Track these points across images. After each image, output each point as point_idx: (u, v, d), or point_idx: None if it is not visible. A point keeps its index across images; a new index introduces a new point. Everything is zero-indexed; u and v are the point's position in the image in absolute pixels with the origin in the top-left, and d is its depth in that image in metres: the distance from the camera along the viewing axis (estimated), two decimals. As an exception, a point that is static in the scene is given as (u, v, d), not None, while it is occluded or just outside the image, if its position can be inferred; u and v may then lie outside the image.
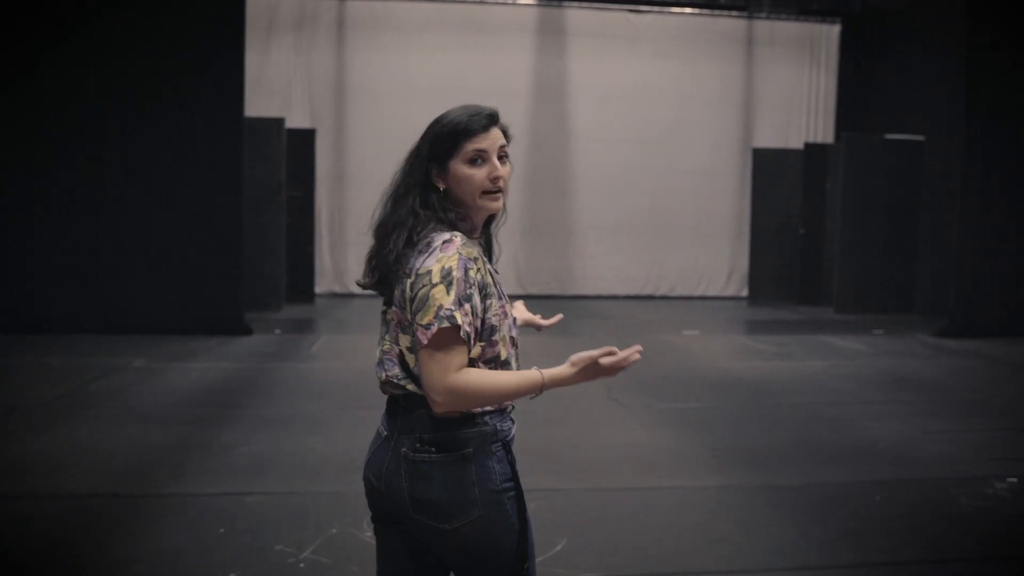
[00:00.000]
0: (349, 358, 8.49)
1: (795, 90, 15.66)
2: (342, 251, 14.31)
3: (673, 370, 8.07)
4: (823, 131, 15.73)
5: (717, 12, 15.29)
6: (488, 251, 2.09)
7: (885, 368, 8.43)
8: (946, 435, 5.93)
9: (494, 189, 1.96)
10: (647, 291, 15.22)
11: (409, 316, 1.90)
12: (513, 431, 2.01)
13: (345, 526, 4.03)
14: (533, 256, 14.96)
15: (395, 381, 1.96)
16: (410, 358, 1.93)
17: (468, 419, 1.91)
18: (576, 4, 14.86)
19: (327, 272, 14.22)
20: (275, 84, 13.96)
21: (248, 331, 9.66)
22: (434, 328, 1.82)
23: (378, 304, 2.10)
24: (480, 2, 14.55)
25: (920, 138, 13.48)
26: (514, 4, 14.75)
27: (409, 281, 1.90)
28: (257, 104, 13.30)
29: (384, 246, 1.97)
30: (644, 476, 5.02)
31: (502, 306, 1.96)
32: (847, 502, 4.55)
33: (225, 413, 6.24)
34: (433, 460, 1.90)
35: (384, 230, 1.99)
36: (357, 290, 14.29)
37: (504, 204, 2.02)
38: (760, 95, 15.53)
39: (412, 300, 1.88)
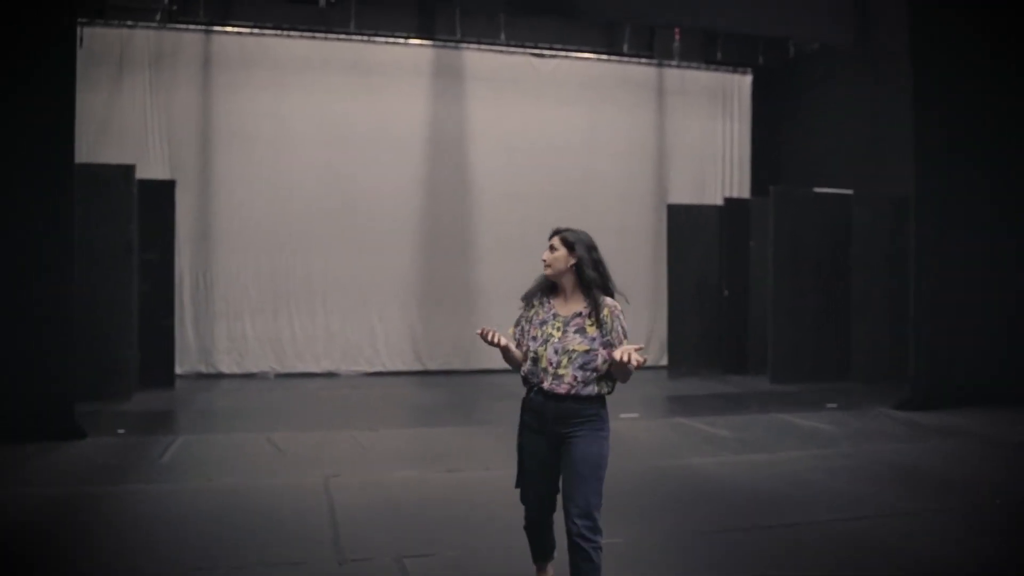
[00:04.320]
0: (213, 470, 6.44)
1: (708, 142, 14.64)
2: (208, 324, 12.15)
3: (639, 476, 6.40)
4: (739, 185, 14.72)
5: (625, 59, 14.16)
6: (595, 305, 3.61)
7: (881, 457, 7.04)
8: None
9: (544, 266, 3.71)
10: (559, 362, 13.61)
11: None
12: (533, 396, 3.63)
13: None
14: (431, 327, 13.19)
15: None
16: None
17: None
18: (475, 46, 13.42)
19: (191, 349, 12.01)
20: (128, 128, 11.88)
21: (80, 434, 7.47)
22: None
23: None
24: (368, 40, 12.91)
25: (848, 191, 12.53)
26: (406, 44, 13.17)
27: None
28: (107, 151, 11.28)
29: None
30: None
31: (522, 328, 3.74)
32: None
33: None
34: None
35: None
36: (226, 369, 12.20)
37: (562, 270, 3.67)
38: (673, 147, 14.41)
39: None
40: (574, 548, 3.42)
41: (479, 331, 3.55)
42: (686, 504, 5.66)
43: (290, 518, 5.14)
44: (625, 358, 3.29)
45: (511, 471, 4.80)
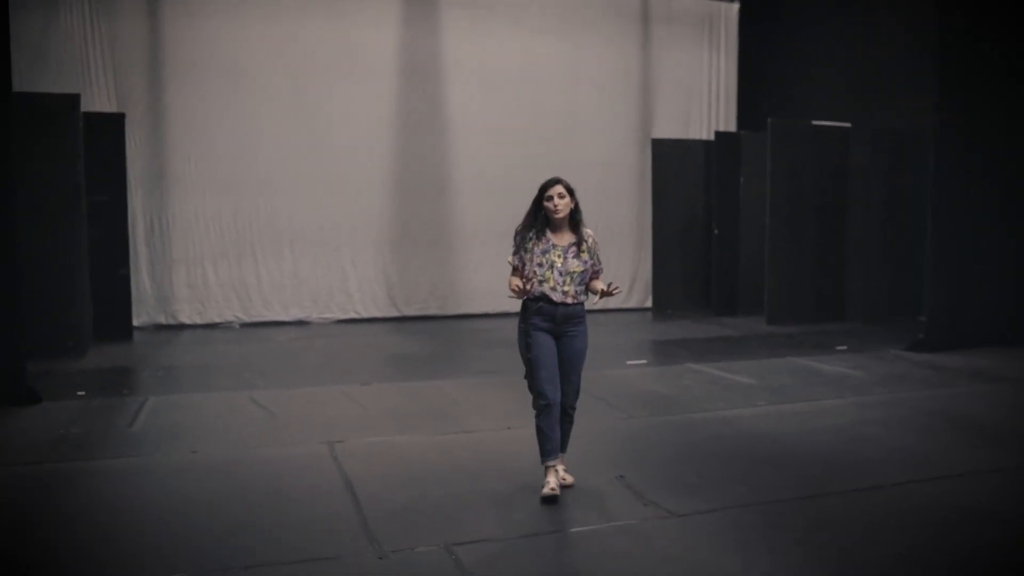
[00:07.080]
0: (196, 440, 5.60)
1: (694, 74, 13.87)
2: (166, 271, 11.18)
3: (681, 433, 5.78)
4: (724, 119, 14.02)
5: (607, -17, 13.25)
6: (582, 237, 4.62)
7: (923, 405, 6.51)
8: None
9: (552, 208, 4.49)
10: (542, 307, 12.88)
11: None
12: (541, 304, 4.55)
13: None
14: (406, 270, 12.37)
15: None
16: None
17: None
18: (448, -32, 12.39)
19: (148, 299, 11.06)
20: (67, 57, 10.70)
21: (35, 398, 6.60)
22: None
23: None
24: (332, -39, 11.80)
25: (847, 125, 11.93)
26: (373, -35, 12.09)
27: None
28: (43, 82, 10.17)
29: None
30: None
31: (520, 257, 4.59)
32: None
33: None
34: None
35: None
36: (187, 320, 11.29)
37: (567, 212, 4.53)
38: (657, 79, 13.61)
39: None
40: (564, 415, 4.59)
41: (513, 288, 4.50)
42: (750, 466, 5.01)
43: (302, 499, 4.37)
44: (605, 287, 4.51)
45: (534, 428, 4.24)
